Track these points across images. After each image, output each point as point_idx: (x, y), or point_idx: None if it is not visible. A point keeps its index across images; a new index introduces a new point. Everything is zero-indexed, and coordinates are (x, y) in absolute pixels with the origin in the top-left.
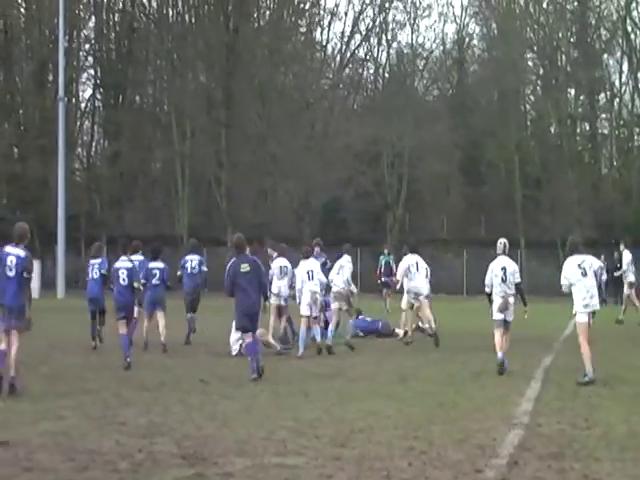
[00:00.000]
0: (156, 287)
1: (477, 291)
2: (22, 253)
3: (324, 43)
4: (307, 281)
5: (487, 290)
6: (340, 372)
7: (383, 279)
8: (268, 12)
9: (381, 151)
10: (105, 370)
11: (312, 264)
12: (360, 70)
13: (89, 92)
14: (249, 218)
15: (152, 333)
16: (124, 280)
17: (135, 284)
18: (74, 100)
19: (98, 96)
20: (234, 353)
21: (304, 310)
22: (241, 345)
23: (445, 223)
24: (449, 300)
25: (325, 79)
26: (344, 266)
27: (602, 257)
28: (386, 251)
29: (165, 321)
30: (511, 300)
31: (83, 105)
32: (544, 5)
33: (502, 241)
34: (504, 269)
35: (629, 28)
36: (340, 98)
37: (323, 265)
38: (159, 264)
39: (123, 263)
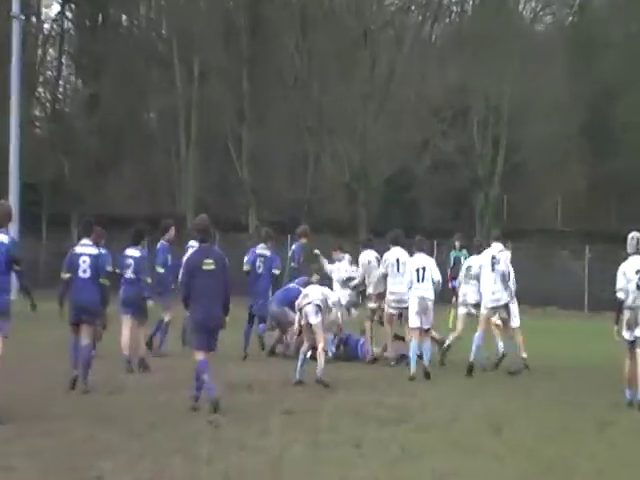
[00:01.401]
0: (130, 284)
1: (605, 305)
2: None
3: None
4: (415, 282)
5: (620, 296)
6: (406, 415)
7: (452, 284)
8: None
9: (469, 104)
10: (75, 401)
11: (424, 260)
12: None
13: (56, 8)
14: (280, 194)
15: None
16: (85, 271)
17: (102, 280)
18: (35, 19)
19: (69, 14)
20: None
21: (413, 321)
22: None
23: (559, 208)
24: (564, 317)
25: None
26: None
27: None
28: (457, 244)
29: (140, 333)
30: None
31: (47, 26)
32: None
33: (634, 236)
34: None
35: None
36: (412, 26)
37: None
38: (135, 252)
39: (85, 248)
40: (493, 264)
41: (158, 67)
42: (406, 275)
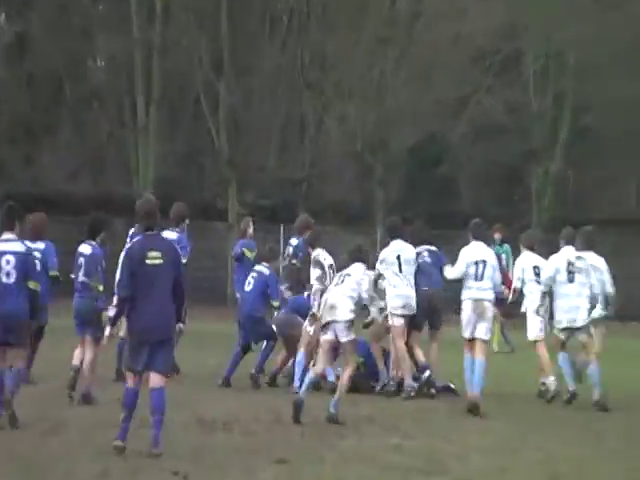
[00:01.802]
0: (81, 291)
1: None
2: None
3: None
4: (472, 280)
5: None
6: (437, 464)
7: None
8: None
9: (522, 50)
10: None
11: (483, 251)
12: None
13: None
14: (269, 169)
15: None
16: (9, 275)
17: (32, 284)
18: None
19: None
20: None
21: (466, 330)
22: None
23: None
24: None
25: None
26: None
27: None
28: (497, 236)
29: (92, 355)
30: None
31: None
32: None
33: None
34: None
35: None
36: None
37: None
38: (86, 248)
39: (7, 245)
40: (571, 273)
41: None
42: (404, 274)
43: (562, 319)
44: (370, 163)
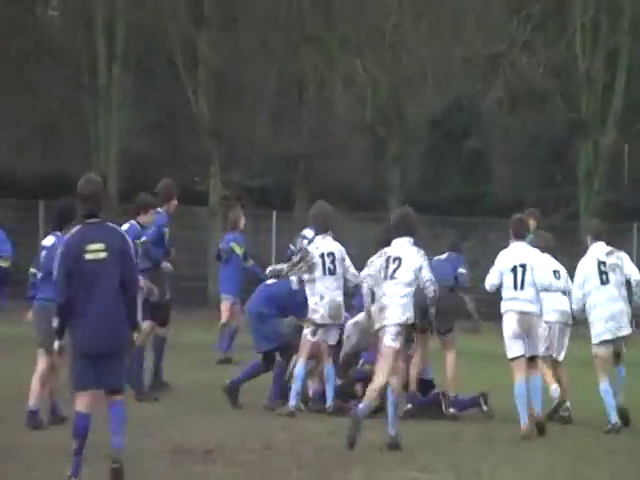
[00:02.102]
0: (42, 290)
1: None
2: None
3: None
4: (512, 290)
5: None
6: None
7: None
8: None
9: None
10: None
11: (524, 253)
12: None
13: None
14: (261, 143)
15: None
16: None
17: None
18: None
19: None
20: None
21: (513, 349)
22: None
23: None
24: None
25: None
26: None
27: None
28: (532, 223)
29: (44, 366)
30: None
31: None
32: None
33: None
34: None
35: None
36: None
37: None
38: (50, 240)
39: None
40: (603, 274)
41: None
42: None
43: (603, 330)
44: (383, 136)
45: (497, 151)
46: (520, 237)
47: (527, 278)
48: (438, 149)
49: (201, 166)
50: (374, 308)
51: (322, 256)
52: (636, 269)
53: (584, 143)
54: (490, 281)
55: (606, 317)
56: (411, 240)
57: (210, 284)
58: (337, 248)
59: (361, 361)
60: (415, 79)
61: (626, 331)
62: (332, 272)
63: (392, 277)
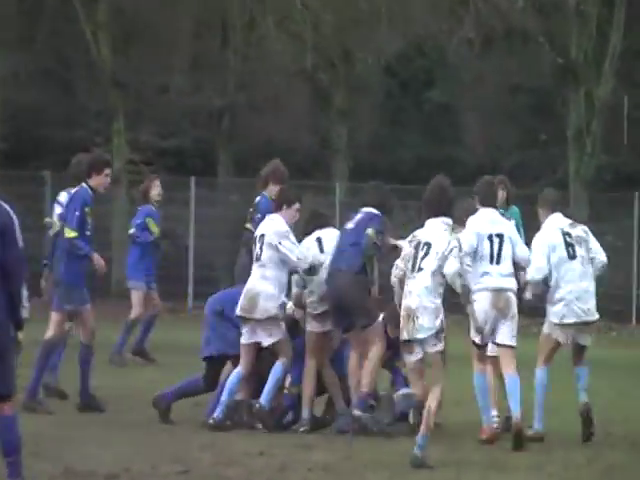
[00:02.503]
0: None
1: None
2: None
3: None
4: (487, 264)
5: None
6: None
7: None
8: None
9: None
10: None
11: (497, 222)
12: None
13: None
14: (178, 95)
15: None
16: None
17: None
18: None
19: None
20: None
21: (478, 335)
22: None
23: None
24: None
25: None
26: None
27: None
28: (499, 195)
29: None
30: None
31: None
32: None
33: None
34: None
35: None
36: None
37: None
38: None
39: None
40: (570, 246)
41: None
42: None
43: (565, 311)
44: (326, 85)
45: (467, 104)
46: (489, 204)
47: (504, 251)
48: (394, 102)
49: (103, 123)
50: (402, 313)
51: (255, 239)
52: (601, 248)
53: (574, 94)
54: (467, 244)
55: (572, 297)
56: (449, 222)
57: (114, 269)
58: (273, 229)
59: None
60: (365, 15)
61: (593, 317)
62: (257, 258)
63: (420, 269)
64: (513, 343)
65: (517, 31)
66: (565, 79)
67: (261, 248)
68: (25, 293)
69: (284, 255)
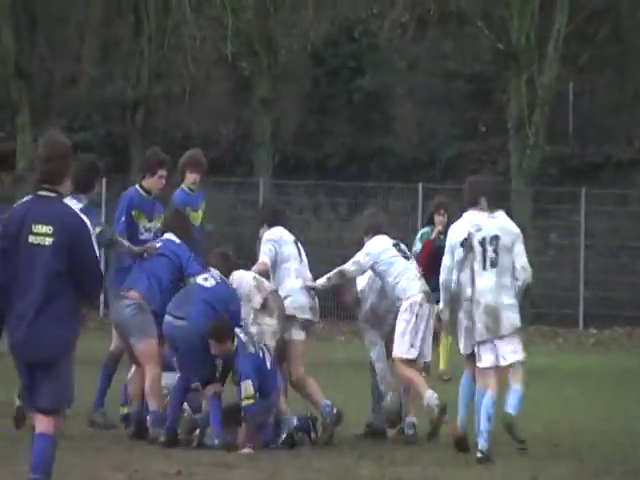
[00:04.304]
0: None
1: None
2: None
3: None
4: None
5: None
6: None
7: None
8: None
9: None
10: None
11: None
12: None
13: None
14: (88, 86)
15: None
16: None
17: None
18: None
19: None
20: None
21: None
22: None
23: None
24: None
25: None
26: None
27: None
28: (438, 220)
29: None
30: None
31: None
32: None
33: None
34: None
35: None
36: None
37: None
38: None
39: None
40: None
41: None
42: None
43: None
44: (248, 74)
45: (400, 92)
46: (473, 204)
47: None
48: (321, 91)
49: (5, 117)
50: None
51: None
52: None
53: (515, 81)
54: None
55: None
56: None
57: None
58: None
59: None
60: None
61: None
62: None
63: (493, 265)
64: None
65: (453, 13)
66: (505, 65)
67: None
68: None
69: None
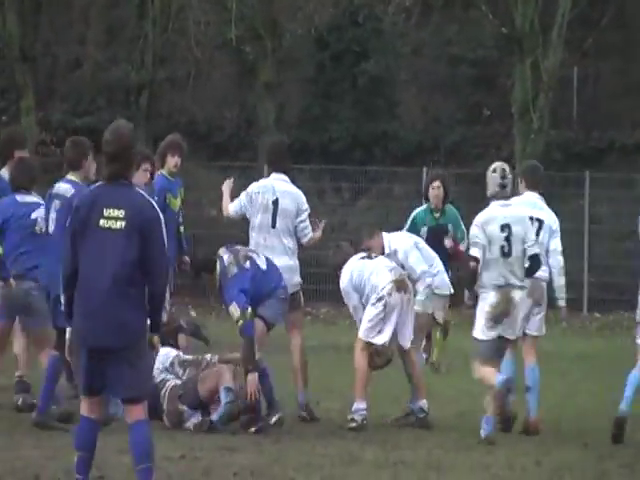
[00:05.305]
0: None
1: None
2: None
3: None
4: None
5: None
6: None
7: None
8: None
9: None
10: None
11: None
12: None
13: None
14: (92, 71)
15: None
16: None
17: None
18: None
19: None
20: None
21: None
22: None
23: None
24: None
25: None
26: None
27: None
28: (437, 194)
29: None
30: None
31: None
32: None
33: None
34: None
35: None
36: None
37: None
38: None
39: None
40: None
41: None
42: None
43: None
44: (252, 58)
45: (404, 77)
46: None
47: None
48: (326, 75)
49: (10, 101)
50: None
51: None
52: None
53: (520, 66)
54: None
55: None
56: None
57: None
58: None
59: None
60: None
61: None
62: None
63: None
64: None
65: None
66: (509, 50)
67: None
68: (167, 295)
69: None
